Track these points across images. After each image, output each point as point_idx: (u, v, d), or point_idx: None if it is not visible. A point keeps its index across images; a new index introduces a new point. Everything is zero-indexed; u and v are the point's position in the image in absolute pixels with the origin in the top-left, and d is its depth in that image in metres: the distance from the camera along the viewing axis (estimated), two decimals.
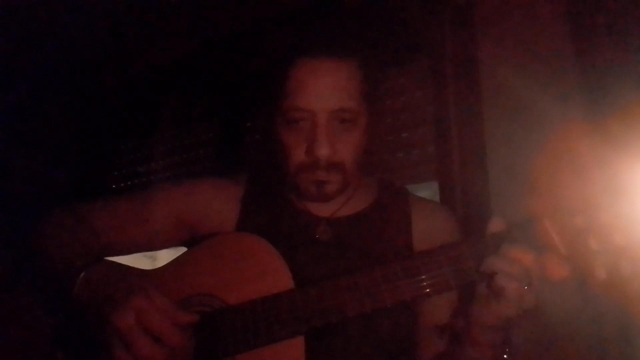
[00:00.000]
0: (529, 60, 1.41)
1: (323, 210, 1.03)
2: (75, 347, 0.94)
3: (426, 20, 1.62)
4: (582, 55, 1.32)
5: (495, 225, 0.79)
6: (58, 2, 2.05)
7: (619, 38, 1.25)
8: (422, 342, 0.98)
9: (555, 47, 1.38)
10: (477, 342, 0.82)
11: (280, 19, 1.86)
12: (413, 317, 0.98)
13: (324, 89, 0.92)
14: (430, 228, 1.01)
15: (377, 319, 0.92)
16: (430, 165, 1.60)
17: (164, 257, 1.08)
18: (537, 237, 0.74)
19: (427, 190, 1.68)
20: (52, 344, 0.97)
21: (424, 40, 1.62)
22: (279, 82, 0.94)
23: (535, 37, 1.42)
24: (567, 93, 1.32)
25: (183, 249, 1.02)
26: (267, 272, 0.88)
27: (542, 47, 1.41)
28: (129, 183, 2.47)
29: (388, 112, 1.69)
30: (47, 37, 2.26)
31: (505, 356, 0.84)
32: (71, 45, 2.30)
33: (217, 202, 1.05)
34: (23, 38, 2.25)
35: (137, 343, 0.74)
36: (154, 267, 0.99)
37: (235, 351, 0.84)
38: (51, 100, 2.53)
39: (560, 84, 1.35)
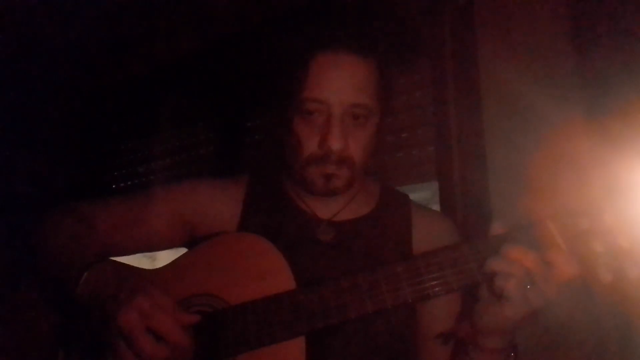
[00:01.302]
0: (529, 60, 1.41)
1: (325, 211, 1.03)
2: (76, 347, 0.94)
3: (426, 20, 1.62)
4: (582, 55, 1.32)
5: (498, 228, 0.79)
6: (58, 1, 2.05)
7: (619, 38, 1.25)
8: (424, 347, 0.98)
9: (555, 47, 1.38)
10: (482, 348, 0.82)
11: (277, 18, 1.86)
12: (414, 319, 0.98)
13: (342, 83, 0.92)
14: (430, 237, 1.00)
15: (378, 320, 0.92)
16: (430, 165, 1.60)
17: (164, 257, 1.08)
18: (540, 239, 0.74)
19: (427, 190, 1.68)
20: (53, 344, 0.97)
21: (424, 40, 1.62)
22: (297, 74, 0.93)
23: (535, 37, 1.42)
24: (567, 93, 1.32)
25: (184, 250, 1.02)
26: (269, 272, 0.88)
27: (542, 47, 1.41)
28: (129, 183, 2.48)
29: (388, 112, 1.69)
30: (47, 37, 2.26)
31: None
32: (71, 45, 2.30)
33: (218, 203, 1.05)
34: (23, 38, 2.25)
35: (141, 342, 0.75)
36: (154, 267, 1.00)
37: (236, 351, 0.84)
38: (51, 100, 2.53)
39: (560, 84, 1.35)
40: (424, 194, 1.70)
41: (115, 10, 2.11)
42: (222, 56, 2.12)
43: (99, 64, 2.44)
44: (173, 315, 0.78)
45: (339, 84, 0.92)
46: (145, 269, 0.98)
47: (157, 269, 0.97)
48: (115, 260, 0.99)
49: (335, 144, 0.91)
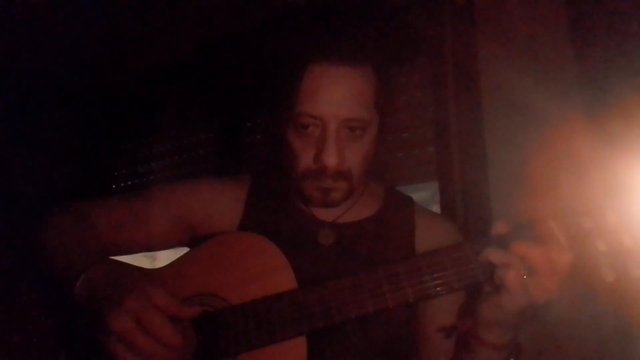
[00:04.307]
0: (529, 59, 1.41)
1: (326, 214, 1.02)
2: (77, 347, 0.94)
3: (426, 20, 1.62)
4: (582, 55, 1.32)
5: (500, 227, 0.79)
6: (58, 2, 2.05)
7: (618, 38, 1.25)
8: (425, 344, 0.98)
9: (555, 47, 1.38)
10: (483, 342, 0.82)
11: (278, 19, 1.86)
12: (416, 318, 0.98)
13: (337, 97, 0.89)
14: (433, 240, 0.98)
15: (380, 320, 0.91)
16: (430, 165, 1.60)
17: (164, 257, 1.08)
18: (542, 238, 0.74)
19: (427, 190, 1.68)
20: (54, 344, 0.97)
21: (424, 40, 1.62)
22: (290, 86, 0.91)
23: (535, 37, 1.42)
24: (567, 93, 1.32)
25: (184, 250, 1.01)
26: (270, 272, 0.87)
27: (542, 47, 1.41)
28: (129, 183, 2.48)
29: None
30: (47, 37, 2.25)
31: (512, 358, 0.83)
32: (71, 45, 2.30)
33: (219, 203, 1.05)
34: (23, 38, 2.25)
35: (137, 343, 0.74)
36: (153, 267, 0.99)
37: (237, 351, 0.84)
38: (51, 100, 2.53)
39: (560, 83, 1.35)
40: (424, 194, 1.70)
41: (115, 10, 2.10)
42: (222, 56, 2.12)
43: (99, 64, 2.44)
44: (169, 311, 0.77)
45: (333, 97, 0.89)
46: (145, 269, 0.98)
47: (157, 269, 0.97)
48: (114, 260, 0.99)
49: (331, 160, 0.89)
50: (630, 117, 1.07)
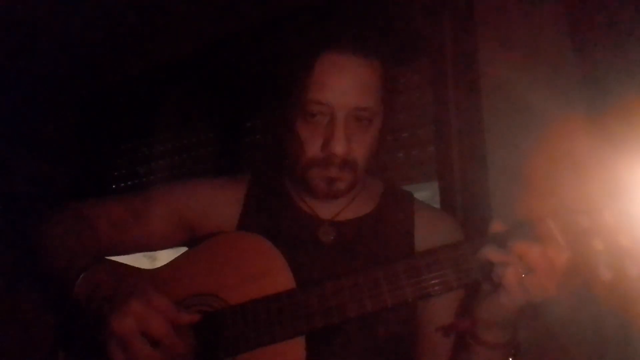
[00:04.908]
0: (529, 60, 1.41)
1: (325, 211, 1.02)
2: (76, 347, 0.94)
3: (426, 20, 1.63)
4: (582, 54, 1.32)
5: (497, 226, 0.79)
6: (58, 1, 2.05)
7: (618, 37, 1.25)
8: (424, 344, 0.98)
9: (555, 47, 1.38)
10: (482, 342, 0.82)
11: (279, 19, 1.86)
12: (415, 318, 0.98)
13: (347, 86, 0.91)
14: (433, 236, 0.99)
15: (379, 319, 0.91)
16: (430, 165, 1.61)
17: (164, 257, 1.08)
18: (540, 237, 0.74)
19: (427, 190, 1.68)
20: (53, 344, 0.97)
21: (424, 40, 1.63)
22: (301, 75, 0.92)
23: (535, 37, 1.42)
24: (567, 93, 1.32)
25: (184, 249, 1.01)
26: (268, 272, 0.88)
27: (542, 47, 1.41)
28: (129, 183, 2.48)
29: None
30: (47, 37, 2.26)
31: (510, 358, 0.83)
32: (71, 45, 2.30)
33: (218, 202, 1.05)
34: (22, 38, 2.25)
35: (136, 347, 0.74)
36: (153, 267, 0.99)
37: (237, 351, 0.84)
38: (51, 100, 2.53)
39: (560, 83, 1.35)
40: (424, 194, 1.70)
41: (115, 9, 2.11)
42: (222, 56, 2.12)
43: (99, 64, 2.44)
44: (171, 316, 0.78)
45: (344, 86, 0.91)
46: (144, 269, 0.98)
47: (156, 269, 0.97)
48: (113, 261, 0.99)
49: (339, 148, 0.90)
50: (630, 117, 1.07)
